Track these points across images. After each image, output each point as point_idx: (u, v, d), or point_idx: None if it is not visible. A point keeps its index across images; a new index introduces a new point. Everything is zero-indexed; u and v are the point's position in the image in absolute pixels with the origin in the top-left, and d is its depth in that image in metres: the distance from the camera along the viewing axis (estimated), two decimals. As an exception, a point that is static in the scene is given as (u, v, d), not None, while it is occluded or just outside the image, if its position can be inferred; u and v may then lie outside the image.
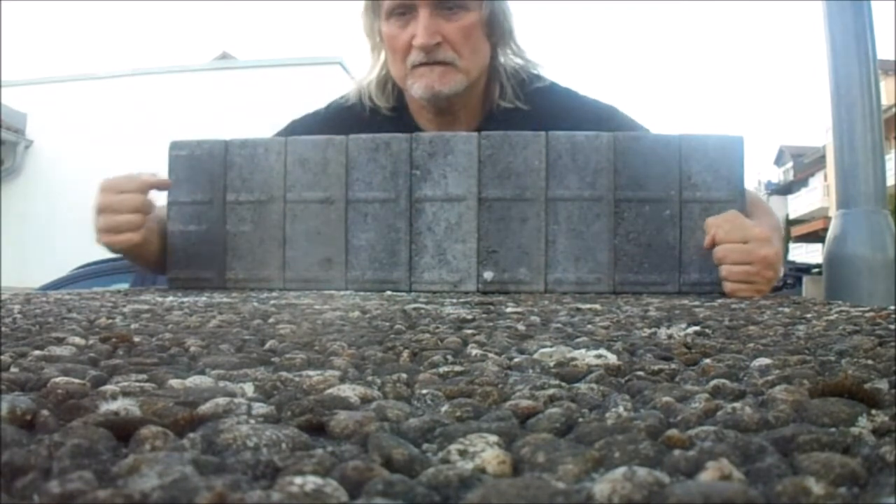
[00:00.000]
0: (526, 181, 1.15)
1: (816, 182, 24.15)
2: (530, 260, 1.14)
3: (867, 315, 0.69)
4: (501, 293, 1.10)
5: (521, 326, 0.62)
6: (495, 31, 1.31)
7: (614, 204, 1.14)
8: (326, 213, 1.18)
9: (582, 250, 1.14)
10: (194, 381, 0.35)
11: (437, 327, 0.60)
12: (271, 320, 0.65)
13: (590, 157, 1.14)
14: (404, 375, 0.37)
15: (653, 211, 1.14)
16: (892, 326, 0.58)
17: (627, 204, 1.14)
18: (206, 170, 1.19)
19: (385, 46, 1.31)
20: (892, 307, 0.79)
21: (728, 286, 1.05)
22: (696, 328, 0.59)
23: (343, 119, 1.33)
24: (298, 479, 0.19)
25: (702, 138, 1.16)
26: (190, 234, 1.21)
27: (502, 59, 1.34)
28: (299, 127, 1.36)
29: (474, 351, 0.46)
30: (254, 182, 1.20)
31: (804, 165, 25.59)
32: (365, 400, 0.32)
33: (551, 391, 0.33)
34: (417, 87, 1.26)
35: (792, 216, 24.66)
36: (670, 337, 0.54)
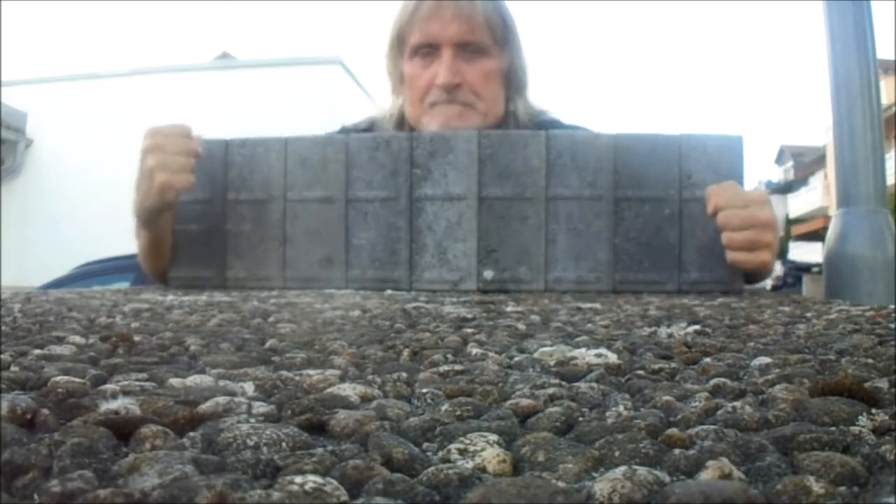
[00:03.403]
0: (526, 180, 1.15)
1: (816, 181, 24.12)
2: (530, 259, 1.14)
3: (867, 314, 0.69)
4: (501, 292, 1.10)
5: (521, 325, 0.62)
6: (513, 81, 1.34)
7: (614, 203, 1.14)
8: (326, 213, 1.18)
9: (582, 249, 1.14)
10: (194, 380, 0.35)
11: (438, 326, 0.60)
12: (271, 319, 0.65)
13: (590, 156, 1.14)
14: (404, 374, 0.37)
15: (653, 210, 1.14)
16: (892, 325, 0.58)
17: (627, 203, 1.14)
18: (206, 169, 1.19)
19: (405, 86, 1.33)
20: (892, 306, 0.79)
21: (730, 255, 1.06)
22: (697, 327, 0.59)
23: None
24: (299, 479, 0.19)
25: (701, 138, 1.16)
26: (190, 233, 1.21)
27: (516, 107, 1.37)
28: None
29: (474, 350, 0.46)
30: (254, 181, 1.20)
31: (804, 164, 25.57)
32: (365, 399, 0.32)
33: (551, 390, 0.33)
34: (435, 124, 1.27)
35: (792, 215, 24.64)
36: (670, 336, 0.54)
